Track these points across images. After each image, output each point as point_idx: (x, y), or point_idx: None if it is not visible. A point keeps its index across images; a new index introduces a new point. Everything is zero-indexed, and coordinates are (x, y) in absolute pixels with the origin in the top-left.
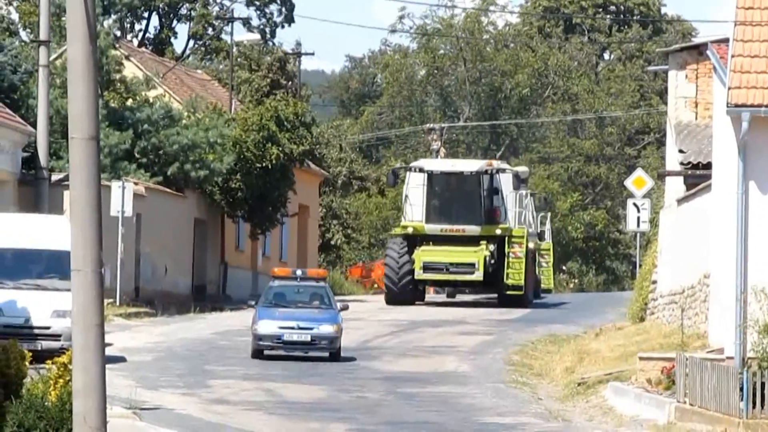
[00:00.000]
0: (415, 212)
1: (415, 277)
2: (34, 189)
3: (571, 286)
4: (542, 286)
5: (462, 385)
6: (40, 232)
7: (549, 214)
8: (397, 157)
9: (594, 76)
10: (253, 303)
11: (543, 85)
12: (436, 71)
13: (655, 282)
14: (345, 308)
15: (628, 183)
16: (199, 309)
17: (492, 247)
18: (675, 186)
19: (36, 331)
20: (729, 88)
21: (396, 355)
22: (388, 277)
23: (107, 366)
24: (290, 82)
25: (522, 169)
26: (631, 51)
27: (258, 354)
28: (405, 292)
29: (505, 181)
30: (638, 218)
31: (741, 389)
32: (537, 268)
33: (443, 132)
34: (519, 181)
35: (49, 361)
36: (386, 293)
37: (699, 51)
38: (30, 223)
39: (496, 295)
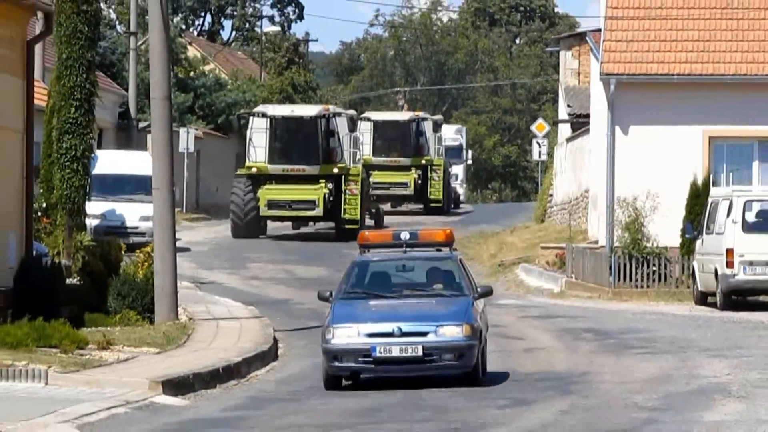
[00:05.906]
0: (258, 154)
1: (260, 213)
2: (127, 133)
3: (494, 199)
4: (345, 216)
5: None
6: (131, 162)
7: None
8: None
9: (509, 55)
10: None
11: (474, 61)
12: (401, 52)
13: (551, 195)
14: (488, 293)
15: (533, 128)
16: None
17: (330, 185)
18: (565, 129)
19: (128, 230)
20: (601, 62)
21: None
22: (234, 213)
23: (177, 254)
24: (301, 60)
25: (351, 112)
26: (534, 38)
27: (334, 383)
28: (250, 226)
29: (341, 124)
30: (540, 152)
31: (610, 268)
32: (343, 196)
33: (406, 93)
34: (354, 124)
35: (137, 251)
36: (232, 228)
37: (581, 37)
38: (124, 156)
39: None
